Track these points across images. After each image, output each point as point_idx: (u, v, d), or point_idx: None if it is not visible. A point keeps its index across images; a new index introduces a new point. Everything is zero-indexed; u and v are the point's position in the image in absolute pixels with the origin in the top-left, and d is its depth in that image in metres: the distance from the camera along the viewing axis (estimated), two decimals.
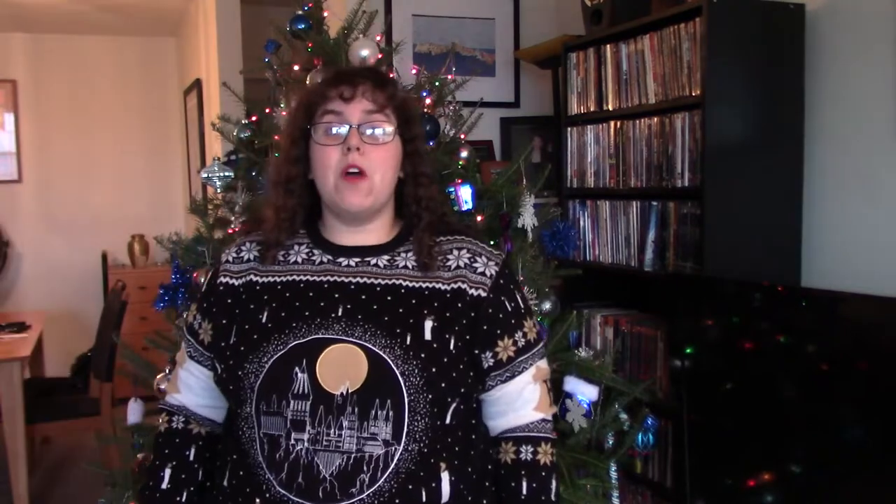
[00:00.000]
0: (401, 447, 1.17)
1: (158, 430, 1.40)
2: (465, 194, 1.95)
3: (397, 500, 1.17)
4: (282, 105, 2.14)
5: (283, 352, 1.19)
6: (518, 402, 1.33)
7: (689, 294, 2.22)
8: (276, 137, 2.08)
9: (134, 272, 5.63)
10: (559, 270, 2.13)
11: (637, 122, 2.52)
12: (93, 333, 4.37)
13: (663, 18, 2.39)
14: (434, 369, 1.20)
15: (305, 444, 1.16)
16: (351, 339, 1.19)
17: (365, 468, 1.16)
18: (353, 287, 1.25)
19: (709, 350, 2.18)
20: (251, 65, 3.24)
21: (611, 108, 2.66)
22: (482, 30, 3.56)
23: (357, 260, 1.29)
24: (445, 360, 1.23)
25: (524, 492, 1.30)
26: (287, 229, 1.31)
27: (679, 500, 2.27)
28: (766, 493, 2.01)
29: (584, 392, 1.93)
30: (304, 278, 1.27)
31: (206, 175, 2.14)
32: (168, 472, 1.34)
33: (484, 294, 1.28)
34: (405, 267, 1.28)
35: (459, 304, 1.26)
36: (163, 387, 1.81)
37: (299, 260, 1.30)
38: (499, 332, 1.30)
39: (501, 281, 1.31)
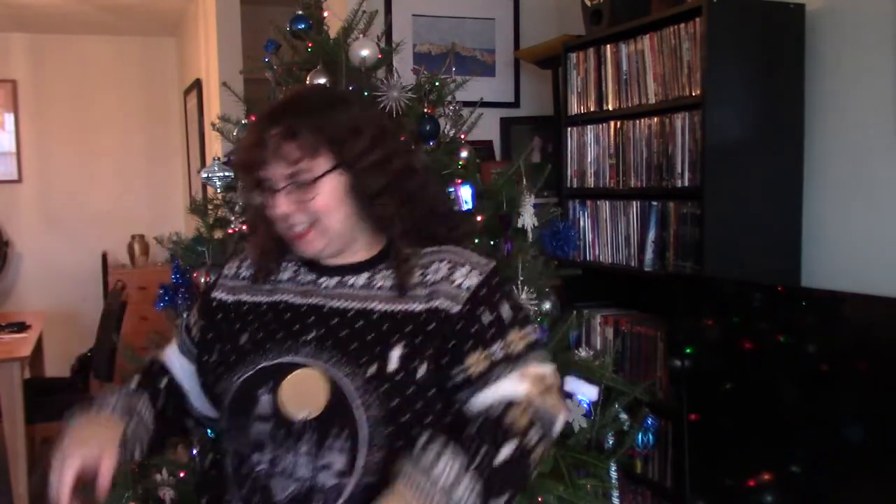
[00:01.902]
0: (353, 479, 1.13)
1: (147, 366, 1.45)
2: (465, 194, 1.95)
3: None
4: None
5: (251, 373, 1.20)
6: (499, 404, 1.17)
7: (689, 294, 2.22)
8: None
9: (134, 272, 5.62)
10: (559, 270, 2.13)
11: (637, 122, 2.52)
12: (93, 333, 4.37)
13: (663, 18, 2.39)
14: (396, 401, 1.15)
15: (265, 465, 1.16)
16: (317, 364, 1.17)
17: (316, 498, 1.13)
18: (326, 311, 1.22)
19: (709, 350, 2.18)
20: (251, 65, 3.24)
21: (611, 108, 2.66)
22: (482, 30, 3.56)
23: (337, 279, 1.26)
24: (411, 391, 1.16)
25: (470, 432, 1.12)
26: (273, 258, 1.31)
27: (679, 500, 2.27)
28: (766, 493, 2.01)
29: (584, 392, 1.93)
30: (286, 299, 1.27)
31: (206, 175, 2.14)
32: (135, 380, 1.37)
33: (458, 308, 1.19)
34: (382, 287, 1.23)
35: (433, 325, 1.19)
36: None
37: (285, 278, 1.31)
38: (470, 344, 1.19)
39: (483, 292, 1.22)
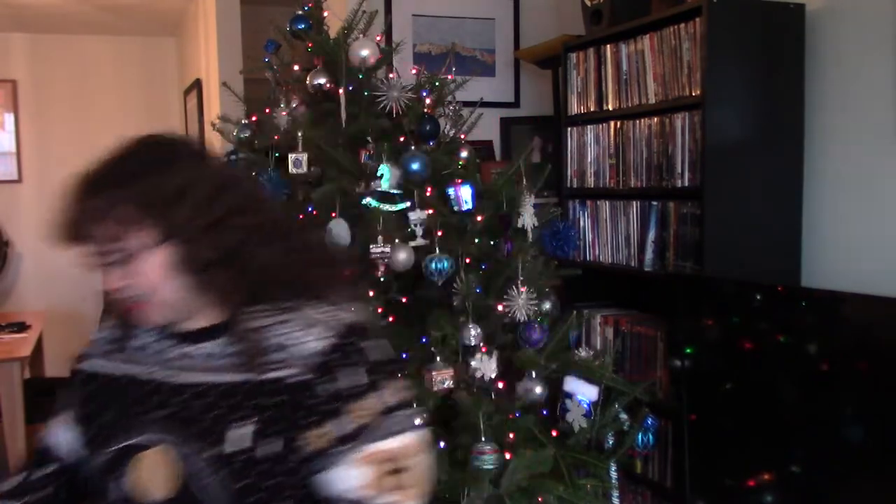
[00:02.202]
0: None
1: None
2: (465, 194, 1.95)
3: None
4: (282, 105, 2.14)
5: (103, 460, 1.14)
6: (333, 490, 1.08)
7: (689, 294, 2.22)
8: (276, 137, 2.09)
9: None
10: (559, 270, 2.13)
11: (637, 122, 2.52)
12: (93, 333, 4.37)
13: (663, 18, 2.39)
14: (246, 481, 1.06)
15: None
16: (162, 445, 1.10)
17: None
18: (171, 387, 1.13)
19: (709, 350, 2.18)
20: (251, 65, 3.24)
21: (611, 108, 2.66)
22: (482, 30, 3.56)
23: (181, 349, 1.15)
24: (263, 468, 1.07)
25: None
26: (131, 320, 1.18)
27: (679, 500, 2.27)
28: (766, 493, 2.01)
29: (584, 392, 1.93)
30: (133, 373, 1.18)
31: None
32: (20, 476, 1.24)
33: (307, 376, 1.07)
34: (230, 355, 1.12)
35: (283, 396, 1.08)
36: None
37: (136, 345, 1.21)
38: (312, 419, 1.07)
39: (335, 355, 1.08)
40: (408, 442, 1.09)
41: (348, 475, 1.06)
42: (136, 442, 1.11)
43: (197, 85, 5.02)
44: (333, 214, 1.90)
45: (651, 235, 2.46)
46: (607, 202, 2.68)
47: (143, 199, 1.04)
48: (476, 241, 1.98)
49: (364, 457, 1.07)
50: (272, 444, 1.06)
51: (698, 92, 2.24)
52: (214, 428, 1.08)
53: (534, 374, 1.93)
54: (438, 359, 1.86)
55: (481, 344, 1.89)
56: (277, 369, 1.08)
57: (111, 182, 1.05)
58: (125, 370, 1.19)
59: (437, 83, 2.08)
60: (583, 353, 2.05)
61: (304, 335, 1.10)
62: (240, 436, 1.07)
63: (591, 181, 2.75)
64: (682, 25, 2.31)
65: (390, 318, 1.92)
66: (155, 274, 1.06)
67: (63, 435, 1.25)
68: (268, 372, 1.08)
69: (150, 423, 1.11)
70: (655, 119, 2.44)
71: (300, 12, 2.13)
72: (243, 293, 1.11)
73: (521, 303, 1.93)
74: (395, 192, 1.93)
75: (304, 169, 2.00)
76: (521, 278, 1.94)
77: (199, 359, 1.13)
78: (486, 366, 1.87)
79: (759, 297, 2.04)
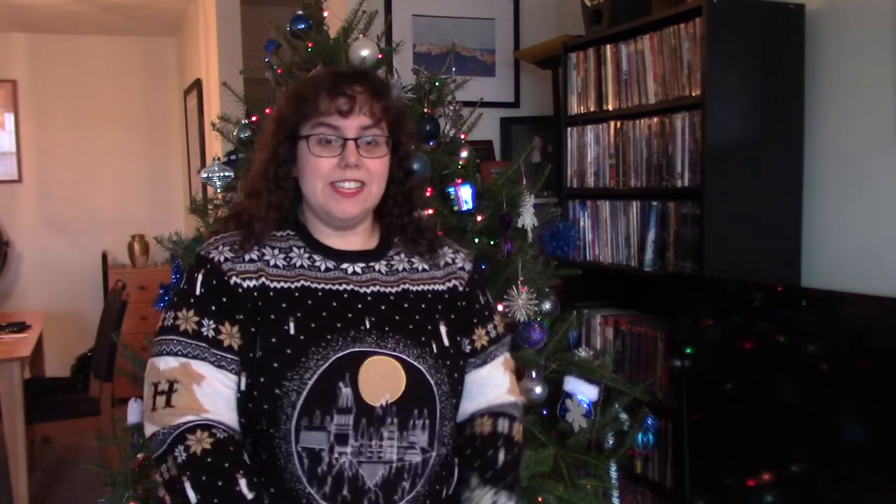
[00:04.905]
0: (434, 453, 1.23)
1: (197, 449, 1.16)
2: (465, 194, 1.95)
3: (428, 502, 1.23)
4: None
5: (325, 366, 1.18)
6: (489, 385, 1.37)
7: (689, 294, 2.22)
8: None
9: (134, 272, 5.62)
10: (559, 270, 2.13)
11: (637, 122, 2.52)
12: (93, 333, 4.37)
13: (663, 18, 2.39)
14: (456, 375, 1.29)
15: (349, 457, 1.17)
16: (385, 350, 1.21)
17: (406, 476, 1.20)
18: (370, 297, 1.26)
19: (709, 350, 2.18)
20: (251, 65, 3.25)
21: (611, 108, 2.66)
22: (482, 30, 3.56)
23: (362, 265, 1.29)
24: (460, 362, 1.31)
25: (501, 460, 1.31)
26: (273, 225, 1.29)
27: (679, 500, 2.27)
28: (766, 492, 2.01)
29: (584, 392, 1.93)
30: (318, 286, 1.25)
31: (206, 175, 2.14)
32: (244, 480, 1.16)
33: (462, 287, 1.36)
34: (404, 270, 1.32)
35: (455, 302, 1.34)
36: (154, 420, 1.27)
37: (305, 265, 1.27)
38: (475, 321, 1.37)
39: (476, 276, 1.40)
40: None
41: (499, 374, 1.38)
42: (356, 350, 1.20)
43: (197, 85, 5.02)
44: None
45: (651, 235, 2.46)
46: (607, 202, 2.68)
47: (393, 104, 1.30)
48: (476, 241, 1.98)
49: (504, 361, 1.41)
50: (462, 342, 1.33)
51: (698, 92, 2.24)
52: (424, 330, 1.26)
53: (534, 374, 1.93)
54: None
55: None
56: (447, 281, 1.35)
57: (375, 80, 1.31)
58: (297, 285, 1.25)
59: (437, 83, 2.08)
60: (583, 353, 2.05)
61: (457, 257, 1.39)
62: (443, 334, 1.28)
63: (591, 181, 2.76)
64: (682, 25, 2.31)
65: None
66: (382, 164, 1.28)
67: (225, 392, 1.23)
68: (441, 283, 1.34)
69: (364, 332, 1.22)
70: (655, 119, 2.44)
71: (300, 12, 2.13)
72: (409, 212, 1.35)
73: (521, 303, 1.93)
74: None
75: None
76: (521, 278, 1.94)
77: (382, 274, 1.30)
78: None
79: (759, 297, 2.04)
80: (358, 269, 1.29)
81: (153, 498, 1.89)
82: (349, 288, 1.26)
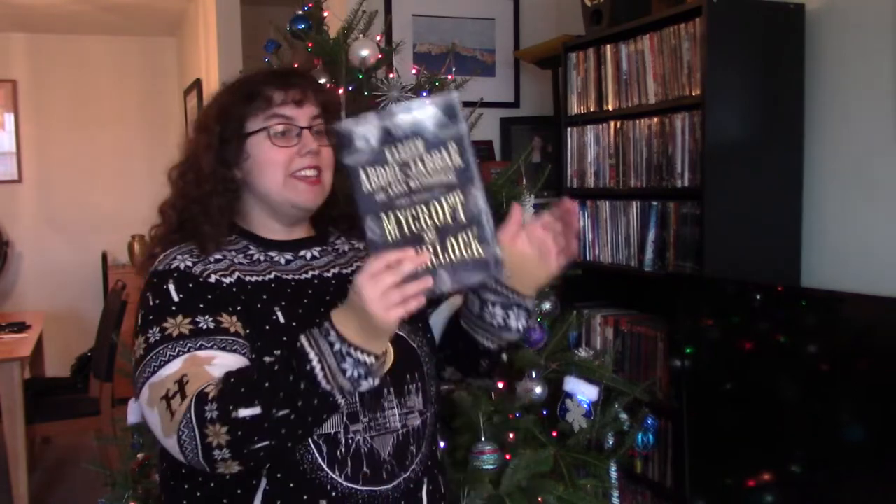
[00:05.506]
0: (429, 413, 1.29)
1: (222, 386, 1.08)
2: None
3: (429, 462, 1.28)
4: None
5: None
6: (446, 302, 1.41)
7: (689, 294, 2.22)
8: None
9: (134, 272, 5.61)
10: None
11: (637, 122, 2.52)
12: (93, 333, 4.37)
13: (663, 18, 2.39)
14: (429, 334, 1.36)
15: (362, 433, 1.19)
16: None
17: (412, 441, 1.24)
18: (334, 281, 1.30)
19: (709, 350, 2.18)
20: (251, 65, 3.24)
21: (611, 108, 2.66)
22: (482, 30, 3.56)
23: (318, 249, 1.34)
24: (428, 321, 1.37)
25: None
26: (226, 231, 1.27)
27: (679, 500, 2.27)
28: (766, 492, 2.01)
29: (584, 392, 1.93)
30: (289, 277, 1.26)
31: None
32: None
33: None
34: (351, 251, 1.37)
35: None
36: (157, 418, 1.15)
37: (261, 258, 1.27)
38: None
39: None
40: None
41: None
42: None
43: (197, 85, 5.02)
44: None
45: (651, 235, 2.46)
46: (607, 202, 2.68)
47: (330, 97, 1.38)
48: None
49: None
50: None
51: (698, 92, 2.24)
52: None
53: (534, 374, 1.93)
54: None
55: None
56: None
57: (311, 77, 1.41)
58: (270, 277, 1.26)
59: (437, 83, 2.08)
60: (583, 353, 2.05)
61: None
62: None
63: (591, 181, 2.76)
64: (682, 25, 2.31)
65: None
66: (331, 152, 1.29)
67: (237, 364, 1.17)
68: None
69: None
70: (655, 119, 2.44)
71: (300, 12, 2.13)
72: (340, 200, 1.34)
73: None
74: None
75: None
76: None
77: (338, 257, 1.34)
78: None
79: (759, 297, 2.04)
80: (316, 253, 1.32)
81: (153, 498, 1.89)
82: (316, 274, 1.29)
